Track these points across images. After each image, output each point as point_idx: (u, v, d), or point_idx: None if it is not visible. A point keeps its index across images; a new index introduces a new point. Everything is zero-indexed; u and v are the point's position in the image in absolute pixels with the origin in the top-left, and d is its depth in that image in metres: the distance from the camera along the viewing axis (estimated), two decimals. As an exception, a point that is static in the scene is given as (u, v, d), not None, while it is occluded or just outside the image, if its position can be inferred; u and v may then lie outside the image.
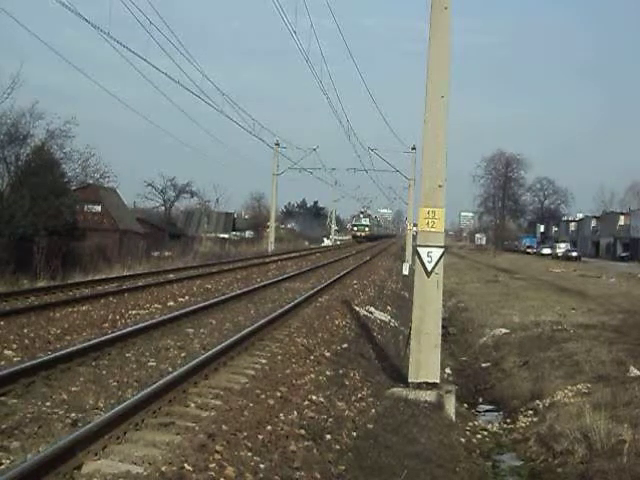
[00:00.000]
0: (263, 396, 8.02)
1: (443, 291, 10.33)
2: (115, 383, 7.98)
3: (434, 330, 10.03)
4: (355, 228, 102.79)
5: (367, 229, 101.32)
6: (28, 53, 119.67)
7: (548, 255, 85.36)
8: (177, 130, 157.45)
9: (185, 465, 5.57)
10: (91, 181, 43.82)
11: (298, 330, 12.85)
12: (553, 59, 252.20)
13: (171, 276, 22.74)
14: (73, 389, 7.57)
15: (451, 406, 9.93)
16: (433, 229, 10.01)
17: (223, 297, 16.50)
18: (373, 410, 8.92)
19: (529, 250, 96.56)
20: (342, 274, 26.79)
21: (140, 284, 19.19)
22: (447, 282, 22.91)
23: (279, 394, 8.24)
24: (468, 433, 9.85)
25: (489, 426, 10.59)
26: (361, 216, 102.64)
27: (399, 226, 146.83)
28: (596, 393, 10.76)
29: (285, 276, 24.37)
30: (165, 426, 6.58)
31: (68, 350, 9.01)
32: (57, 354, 8.73)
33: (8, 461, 5.41)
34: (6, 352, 9.25)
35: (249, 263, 32.55)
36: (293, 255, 44.18)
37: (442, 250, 10.09)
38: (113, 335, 10.38)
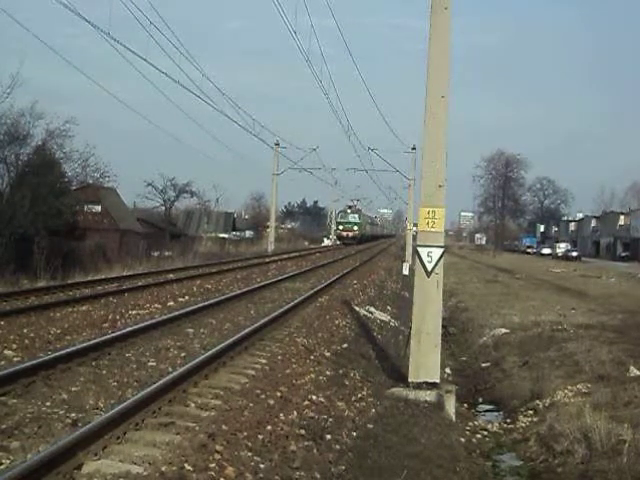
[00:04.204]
0: (263, 396, 8.02)
1: (443, 291, 10.33)
2: (115, 383, 7.98)
3: (434, 330, 10.03)
4: (340, 227, 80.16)
5: (356, 228, 79.04)
6: (28, 53, 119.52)
7: (548, 255, 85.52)
8: (177, 130, 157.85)
9: (185, 465, 5.57)
10: (91, 181, 43.81)
11: (298, 330, 12.86)
12: (553, 59, 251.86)
13: (171, 276, 22.74)
14: (73, 389, 7.57)
15: (451, 406, 9.93)
16: (433, 229, 10.01)
17: (223, 297, 16.49)
18: (373, 410, 8.92)
19: (529, 250, 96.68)
20: (342, 274, 26.78)
21: (140, 284, 19.19)
22: (447, 282, 22.91)
23: (279, 394, 8.24)
24: (468, 433, 9.85)
25: (489, 426, 10.59)
26: (348, 211, 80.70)
27: (399, 226, 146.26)
28: (596, 393, 10.76)
29: (285, 276, 24.36)
30: (165, 426, 6.58)
31: (68, 350, 9.00)
32: (57, 354, 8.72)
33: (8, 461, 5.40)
34: (6, 352, 9.25)
35: (249, 263, 32.54)
36: (293, 255, 44.17)
37: (442, 250, 10.09)
38: (113, 335, 10.38)
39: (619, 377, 11.60)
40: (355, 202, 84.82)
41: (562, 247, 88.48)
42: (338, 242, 77.62)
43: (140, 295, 16.62)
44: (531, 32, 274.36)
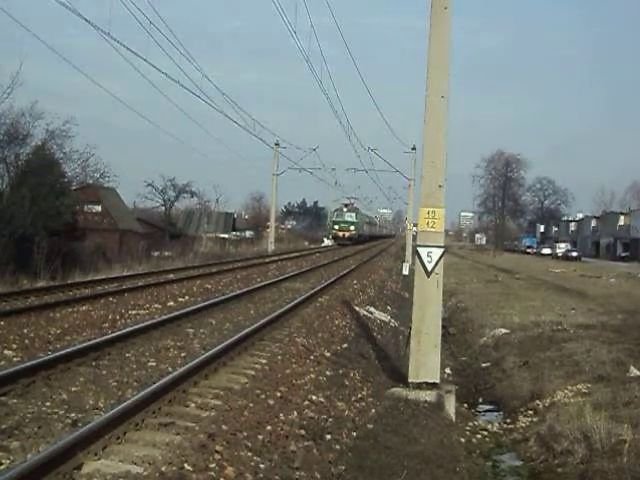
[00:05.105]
0: (263, 396, 8.02)
1: (443, 291, 10.33)
2: (115, 383, 7.98)
3: (434, 330, 10.03)
4: (336, 226, 74.94)
5: (353, 227, 74.06)
6: (28, 53, 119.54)
7: (548, 255, 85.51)
8: (177, 130, 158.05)
9: (185, 465, 5.57)
10: (91, 181, 43.92)
11: (298, 330, 12.85)
12: (554, 59, 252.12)
13: (171, 276, 22.73)
14: (73, 389, 7.57)
15: (451, 406, 9.93)
16: (433, 229, 10.00)
17: (223, 297, 16.49)
18: (373, 410, 8.92)
19: (529, 250, 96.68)
20: (342, 274, 26.77)
21: (140, 284, 19.18)
22: (447, 282, 22.91)
23: (279, 394, 8.24)
24: (468, 433, 9.85)
25: (489, 426, 10.59)
26: (344, 210, 75.26)
27: (399, 226, 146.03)
28: (596, 393, 10.76)
29: (285, 276, 24.35)
30: (165, 426, 6.57)
31: (68, 350, 9.00)
32: (57, 354, 8.72)
33: (8, 461, 5.40)
34: (6, 352, 9.25)
35: (249, 263, 32.53)
36: (293, 255, 44.15)
37: (442, 250, 10.09)
38: (113, 335, 10.38)
39: (619, 377, 11.60)
40: (352, 200, 79.14)
41: (562, 247, 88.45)
42: (335, 243, 74.81)
43: (140, 295, 16.61)
44: (531, 32, 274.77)
